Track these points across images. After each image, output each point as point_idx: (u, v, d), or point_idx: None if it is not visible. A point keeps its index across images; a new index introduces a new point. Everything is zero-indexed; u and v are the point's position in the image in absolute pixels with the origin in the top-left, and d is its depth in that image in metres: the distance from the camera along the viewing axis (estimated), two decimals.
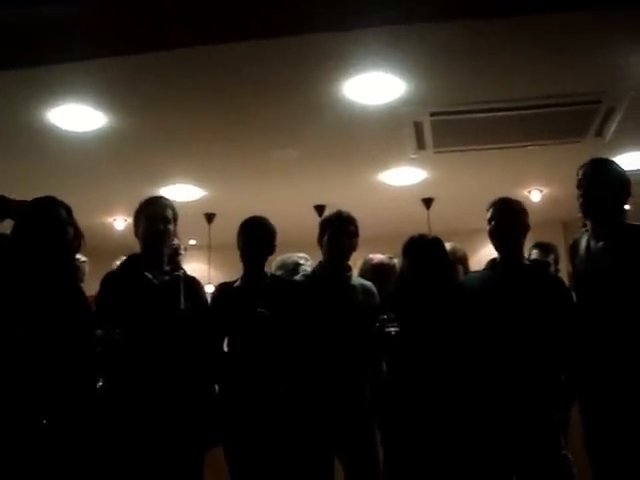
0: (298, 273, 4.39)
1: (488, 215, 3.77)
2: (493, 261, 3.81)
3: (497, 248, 3.77)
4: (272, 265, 4.43)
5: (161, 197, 3.92)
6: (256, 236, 3.88)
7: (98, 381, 3.52)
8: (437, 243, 3.86)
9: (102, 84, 5.19)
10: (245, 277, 3.92)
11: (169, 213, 3.74)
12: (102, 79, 5.08)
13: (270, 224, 3.95)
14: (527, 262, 3.84)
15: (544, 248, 4.95)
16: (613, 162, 3.64)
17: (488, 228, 3.76)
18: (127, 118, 5.85)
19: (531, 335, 3.53)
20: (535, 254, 4.91)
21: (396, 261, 4.66)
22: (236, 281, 3.94)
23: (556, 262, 4.99)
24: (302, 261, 4.66)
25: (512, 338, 3.53)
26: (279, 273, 4.34)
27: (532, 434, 3.49)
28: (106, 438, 3.34)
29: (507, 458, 3.53)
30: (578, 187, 3.57)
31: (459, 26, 4.39)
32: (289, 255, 4.56)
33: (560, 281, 3.86)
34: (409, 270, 3.82)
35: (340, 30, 4.27)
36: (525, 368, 3.51)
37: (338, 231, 3.94)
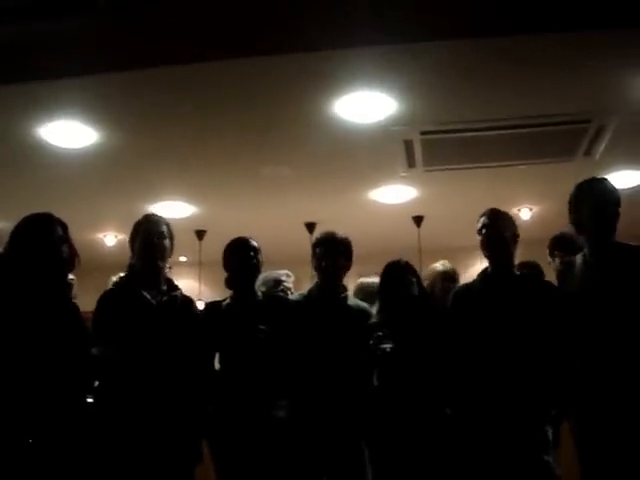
0: (279, 290, 4.40)
1: (479, 225, 3.79)
2: (485, 271, 3.82)
3: (488, 257, 3.78)
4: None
5: (157, 215, 3.91)
6: (247, 256, 3.89)
7: (88, 397, 3.50)
8: (410, 266, 3.92)
9: (93, 100, 5.19)
10: (237, 296, 3.92)
11: (165, 229, 3.74)
12: (93, 95, 5.08)
13: (255, 242, 3.97)
14: (518, 272, 3.82)
15: (527, 267, 4.94)
16: (609, 181, 3.68)
17: (479, 238, 3.78)
18: (119, 135, 5.86)
19: (525, 345, 3.54)
20: None
21: None
22: (225, 300, 3.94)
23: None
24: (284, 277, 4.68)
25: (506, 347, 3.54)
26: (262, 290, 4.35)
27: (522, 448, 3.49)
28: (96, 456, 3.32)
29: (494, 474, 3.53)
30: (575, 204, 3.61)
31: (450, 46, 4.42)
32: (269, 272, 4.55)
33: (555, 288, 3.83)
34: (392, 291, 3.88)
35: (332, 49, 4.29)
36: (518, 380, 3.51)
37: (328, 253, 3.96)
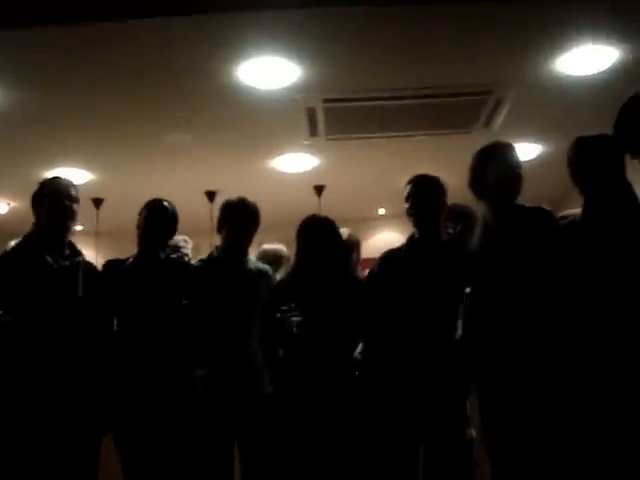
0: (177, 256, 4.35)
1: (405, 193, 3.80)
2: (412, 237, 3.83)
3: (414, 225, 3.80)
4: None
5: (64, 177, 3.79)
6: (162, 218, 3.81)
7: None
8: (329, 222, 3.88)
9: None
10: (140, 256, 3.84)
11: (74, 192, 3.64)
12: None
13: (175, 210, 3.89)
14: (446, 237, 3.81)
15: (454, 217, 4.75)
16: (512, 145, 3.71)
17: (405, 206, 3.78)
18: (10, 97, 5.60)
19: (443, 312, 3.60)
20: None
21: (287, 251, 4.69)
22: (127, 259, 3.86)
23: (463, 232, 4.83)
24: (182, 243, 4.64)
25: (428, 315, 3.58)
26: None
27: (440, 408, 3.53)
28: None
29: (413, 427, 3.57)
30: (480, 168, 3.65)
31: (353, 13, 4.40)
32: None
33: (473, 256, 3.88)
34: (303, 251, 3.82)
35: (235, 12, 4.21)
36: (436, 345, 3.56)
37: (244, 219, 3.89)
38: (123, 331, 3.74)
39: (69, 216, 3.61)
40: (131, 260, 3.84)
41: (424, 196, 3.74)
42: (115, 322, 3.78)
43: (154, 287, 3.73)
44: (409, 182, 3.82)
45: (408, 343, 3.59)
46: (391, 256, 3.91)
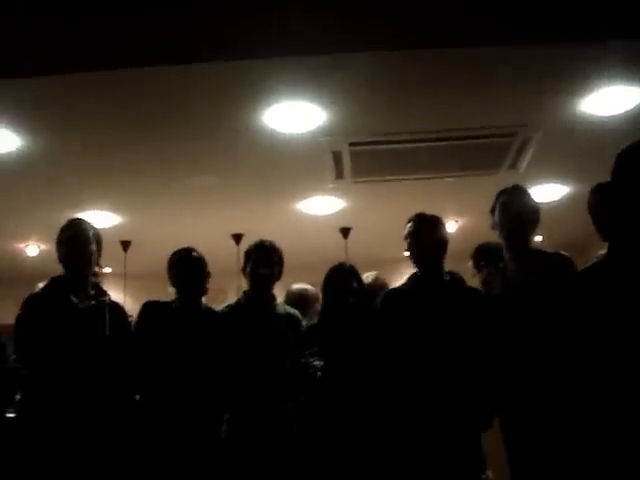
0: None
1: (406, 231, 3.80)
2: (414, 275, 3.83)
3: (416, 263, 3.80)
4: None
5: (82, 219, 3.85)
6: (195, 271, 3.93)
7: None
8: (354, 271, 3.90)
9: (16, 105, 5.03)
10: (182, 303, 3.91)
11: (90, 234, 3.69)
12: (15, 100, 4.92)
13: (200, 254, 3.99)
14: (447, 277, 3.83)
15: (485, 256, 4.87)
16: (525, 190, 3.79)
17: (407, 244, 3.79)
18: (43, 141, 5.68)
19: (454, 351, 3.57)
20: None
21: (314, 290, 4.69)
22: (172, 303, 3.90)
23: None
24: None
25: (435, 354, 3.56)
26: None
27: (454, 456, 3.50)
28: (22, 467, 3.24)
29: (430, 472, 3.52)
30: (493, 209, 3.69)
31: (379, 57, 4.43)
32: None
33: (480, 293, 3.88)
34: (328, 300, 3.85)
35: (261, 58, 4.26)
36: (448, 385, 3.53)
37: (260, 261, 3.93)
38: (155, 375, 3.75)
39: (84, 260, 3.65)
40: (174, 305, 3.88)
41: (424, 236, 3.74)
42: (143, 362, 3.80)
43: (193, 333, 3.75)
44: (409, 221, 3.83)
45: (418, 387, 3.57)
46: (395, 294, 3.91)
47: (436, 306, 3.65)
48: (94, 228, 3.76)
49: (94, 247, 3.68)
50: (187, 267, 3.88)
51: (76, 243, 3.63)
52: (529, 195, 3.75)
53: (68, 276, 3.66)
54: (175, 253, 3.96)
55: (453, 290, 3.74)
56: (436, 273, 3.76)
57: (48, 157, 6.02)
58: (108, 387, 3.51)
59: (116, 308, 3.80)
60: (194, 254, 3.93)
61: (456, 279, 3.81)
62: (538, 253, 3.64)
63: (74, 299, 3.55)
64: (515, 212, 3.63)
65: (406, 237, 3.80)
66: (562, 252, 3.66)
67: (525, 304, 3.48)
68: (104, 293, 3.77)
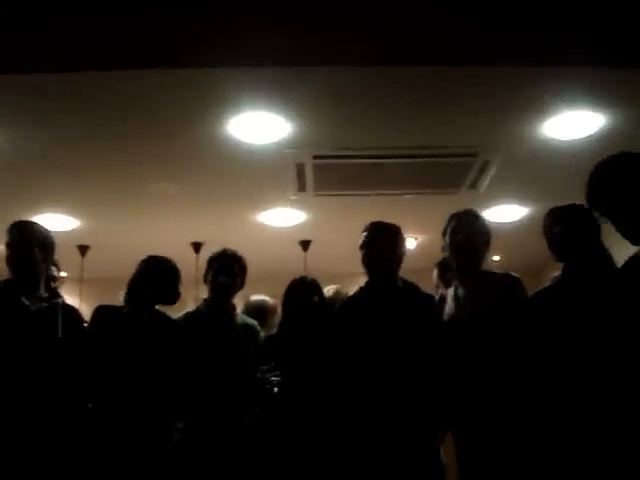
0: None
1: (360, 241, 3.81)
2: (367, 283, 3.83)
3: (367, 273, 3.80)
4: None
5: (27, 222, 3.75)
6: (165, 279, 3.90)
7: None
8: (316, 284, 3.90)
9: None
10: (134, 308, 3.85)
11: (32, 237, 3.59)
12: None
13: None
14: (400, 284, 3.82)
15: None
16: (476, 213, 3.83)
17: (361, 254, 3.79)
18: (1, 142, 5.60)
19: (405, 358, 3.58)
20: None
21: (273, 301, 4.69)
22: (122, 308, 3.84)
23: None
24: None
25: (386, 360, 3.57)
26: None
27: (413, 456, 3.50)
28: None
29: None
30: (444, 233, 3.71)
31: (346, 72, 4.45)
32: None
33: (434, 300, 3.90)
34: (287, 313, 3.85)
35: (228, 67, 4.25)
36: (400, 392, 3.54)
37: (221, 270, 3.92)
38: (106, 379, 3.71)
39: (26, 262, 3.57)
40: (126, 310, 3.83)
41: (376, 247, 3.75)
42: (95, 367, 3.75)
43: (146, 339, 3.71)
44: (364, 230, 3.84)
45: (373, 392, 3.56)
46: (348, 301, 3.93)
47: (388, 312, 3.65)
48: (41, 231, 3.67)
49: (37, 250, 3.59)
50: (163, 274, 3.86)
51: (19, 247, 3.56)
52: (481, 219, 3.78)
53: (17, 278, 3.59)
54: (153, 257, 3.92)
55: (406, 296, 3.74)
56: (387, 283, 3.76)
57: (5, 158, 5.92)
58: (59, 390, 3.45)
59: (70, 310, 3.73)
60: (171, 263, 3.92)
61: (409, 286, 3.81)
62: (488, 275, 3.68)
63: (25, 301, 3.49)
64: (464, 237, 3.66)
65: (361, 247, 3.80)
66: (512, 273, 3.69)
67: (475, 329, 3.51)
68: (58, 295, 3.71)
